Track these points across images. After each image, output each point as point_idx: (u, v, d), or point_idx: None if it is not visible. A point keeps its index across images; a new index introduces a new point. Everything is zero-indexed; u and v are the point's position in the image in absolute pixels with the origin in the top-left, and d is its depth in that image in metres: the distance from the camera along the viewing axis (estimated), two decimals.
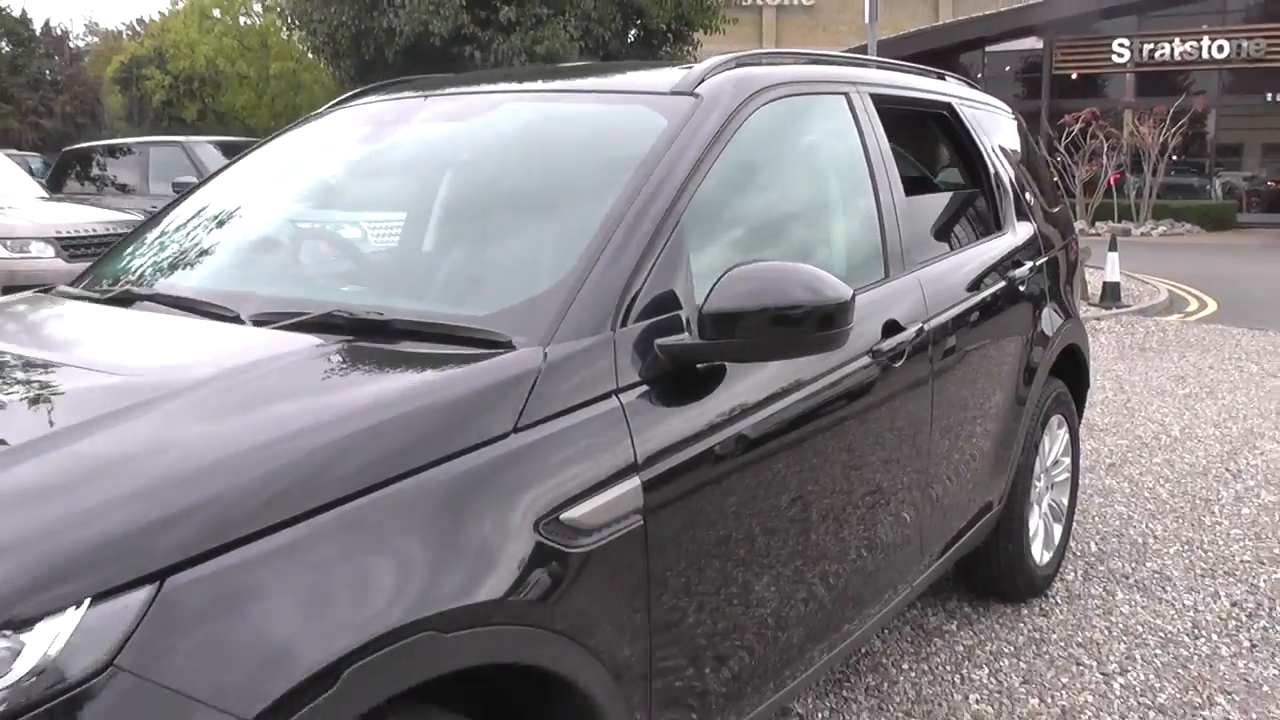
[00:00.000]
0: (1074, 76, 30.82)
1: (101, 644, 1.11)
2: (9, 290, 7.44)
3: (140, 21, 45.03)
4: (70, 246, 7.79)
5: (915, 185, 2.98)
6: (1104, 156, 21.68)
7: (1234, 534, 4.29)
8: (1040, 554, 3.58)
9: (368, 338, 1.71)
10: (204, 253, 2.38)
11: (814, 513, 2.16)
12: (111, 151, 11.70)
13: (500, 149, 2.34)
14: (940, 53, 33.48)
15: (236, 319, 1.88)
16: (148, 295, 2.11)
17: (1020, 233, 3.50)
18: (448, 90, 2.56)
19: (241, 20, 39.24)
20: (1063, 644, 3.31)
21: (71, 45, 45.60)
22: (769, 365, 1.95)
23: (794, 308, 1.77)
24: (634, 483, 1.65)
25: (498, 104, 2.51)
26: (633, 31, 16.52)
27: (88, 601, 1.13)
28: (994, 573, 3.43)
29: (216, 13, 38.69)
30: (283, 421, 1.39)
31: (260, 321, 1.82)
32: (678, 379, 1.80)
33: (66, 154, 11.95)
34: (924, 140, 3.42)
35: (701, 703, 1.88)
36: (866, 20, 13.05)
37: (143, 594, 1.15)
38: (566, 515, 1.53)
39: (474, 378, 1.55)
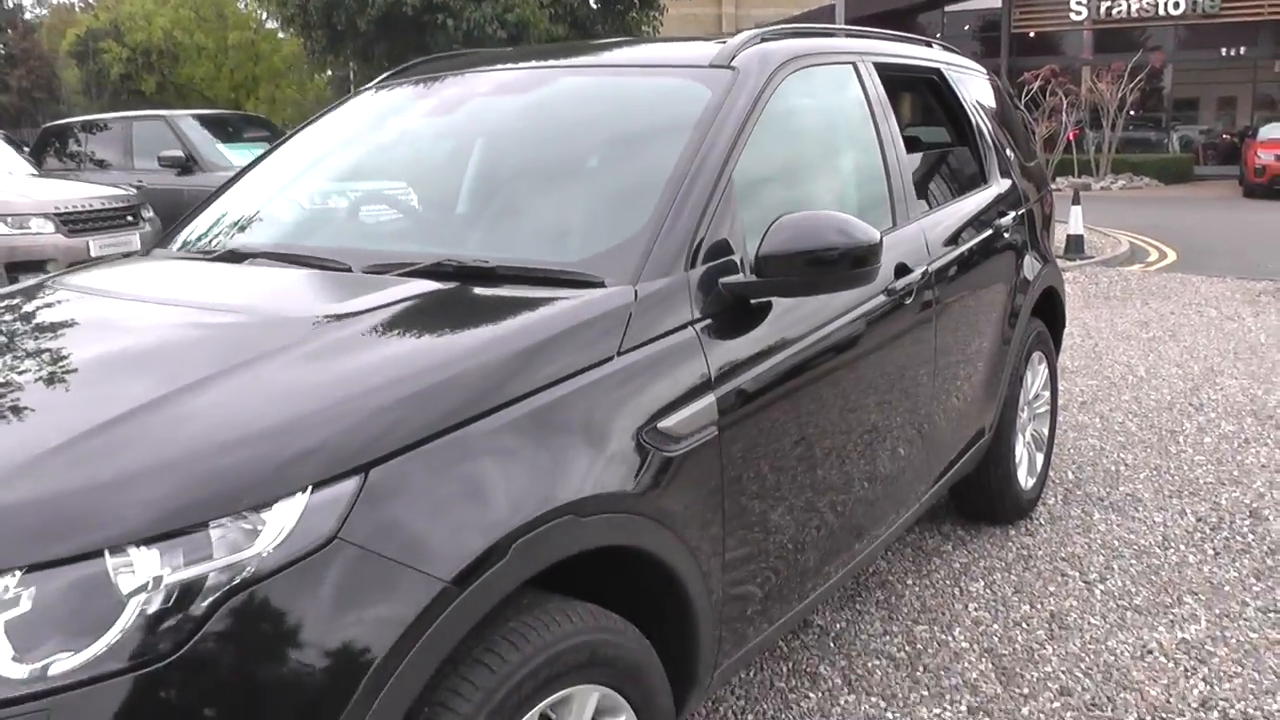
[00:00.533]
0: (1032, 34, 31.18)
1: (326, 520, 1.40)
2: (11, 266, 7.58)
3: None
4: (69, 221, 7.92)
5: (912, 143, 3.29)
6: (1063, 113, 22.08)
7: (1197, 460, 4.69)
8: (1025, 479, 3.94)
9: (474, 282, 2.00)
10: (294, 215, 2.65)
11: (848, 425, 2.50)
12: (91, 127, 11.72)
13: (567, 118, 2.61)
14: (900, 12, 33.72)
15: (348, 270, 2.16)
16: (258, 253, 2.38)
17: (1002, 186, 3.83)
18: (503, 66, 2.83)
19: None
20: (1048, 559, 3.68)
21: (25, 18, 44.69)
22: (808, 300, 2.27)
23: (830, 249, 2.08)
24: (709, 399, 1.96)
25: (556, 78, 2.78)
26: None
27: (307, 490, 1.42)
28: (985, 496, 3.78)
29: None
30: (444, 343, 1.68)
31: (373, 271, 2.11)
32: (736, 312, 2.10)
33: (47, 130, 11.96)
34: (917, 102, 3.71)
35: (763, 587, 2.21)
36: None
37: (352, 483, 1.44)
38: (662, 424, 1.84)
39: (585, 309, 1.84)
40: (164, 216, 8.91)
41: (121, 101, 37.41)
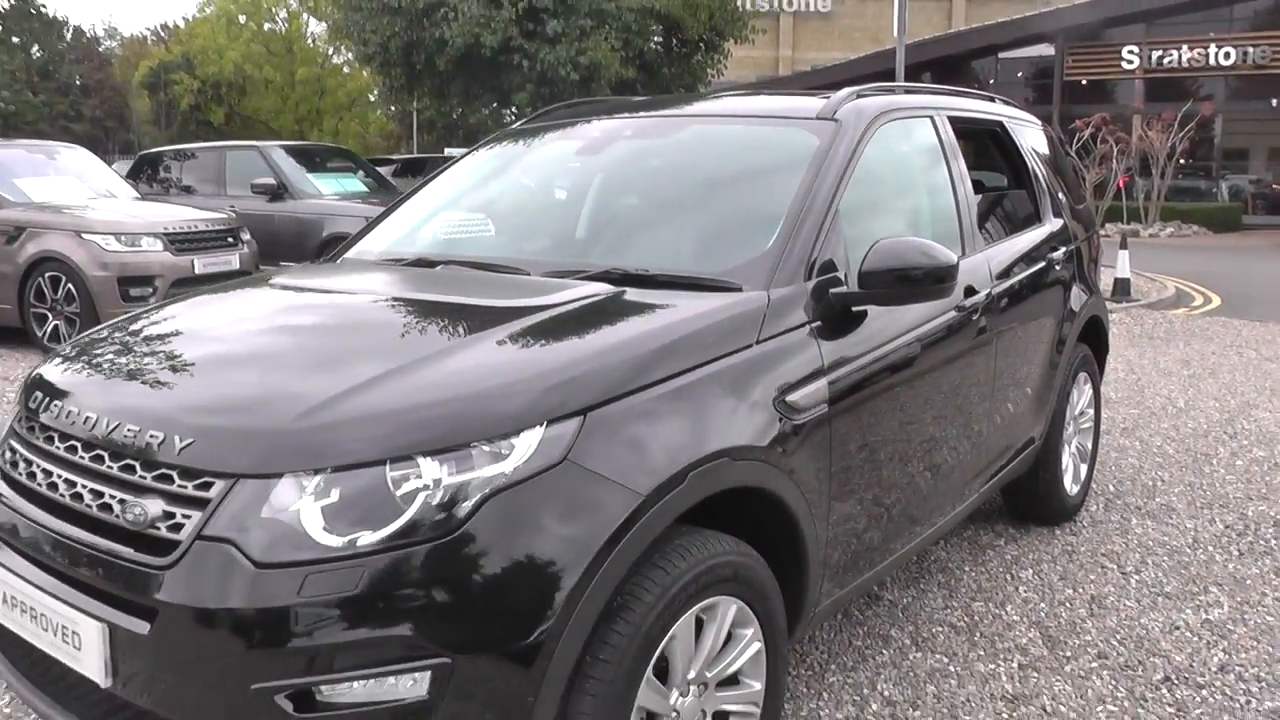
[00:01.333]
0: (1084, 82, 31.59)
1: (558, 447, 1.94)
2: (122, 280, 8.20)
3: (165, 27, 46.01)
4: (176, 241, 8.59)
5: (977, 185, 3.81)
6: (1113, 160, 22.45)
7: (1229, 479, 5.13)
8: (1070, 485, 4.41)
9: (635, 286, 2.55)
10: (466, 230, 3.23)
11: (925, 415, 3.01)
12: (185, 155, 12.52)
13: (701, 157, 3.18)
14: (954, 59, 34.38)
15: (528, 275, 2.73)
16: (446, 260, 2.97)
17: (1054, 225, 4.34)
18: (638, 114, 3.41)
19: (266, 26, 40.20)
20: (1089, 554, 4.15)
21: (99, 50, 46.62)
22: (897, 310, 2.79)
23: (916, 268, 2.61)
24: (822, 383, 2.49)
25: (688, 125, 3.36)
26: (670, 40, 17.35)
27: (542, 426, 1.95)
28: (1034, 498, 4.26)
29: (242, 18, 39.64)
30: (631, 326, 2.24)
31: (551, 275, 2.67)
32: (841, 317, 2.63)
33: (143, 157, 12.79)
34: (983, 150, 4.23)
35: (856, 541, 2.73)
36: (895, 33, 13.87)
37: (574, 422, 1.97)
38: (789, 398, 2.37)
39: (734, 307, 2.38)
40: (257, 239, 9.62)
41: (190, 131, 38.93)
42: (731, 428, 2.20)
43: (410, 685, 1.74)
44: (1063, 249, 4.29)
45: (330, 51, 40.69)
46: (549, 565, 1.83)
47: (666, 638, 2.04)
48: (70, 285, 8.13)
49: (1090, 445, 4.67)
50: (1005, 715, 2.95)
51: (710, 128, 3.33)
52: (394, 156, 23.75)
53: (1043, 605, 3.67)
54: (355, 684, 1.73)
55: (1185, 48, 29.16)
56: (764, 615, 2.33)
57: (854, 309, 2.68)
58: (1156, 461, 5.44)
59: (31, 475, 2.15)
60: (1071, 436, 4.43)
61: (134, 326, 2.61)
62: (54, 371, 2.37)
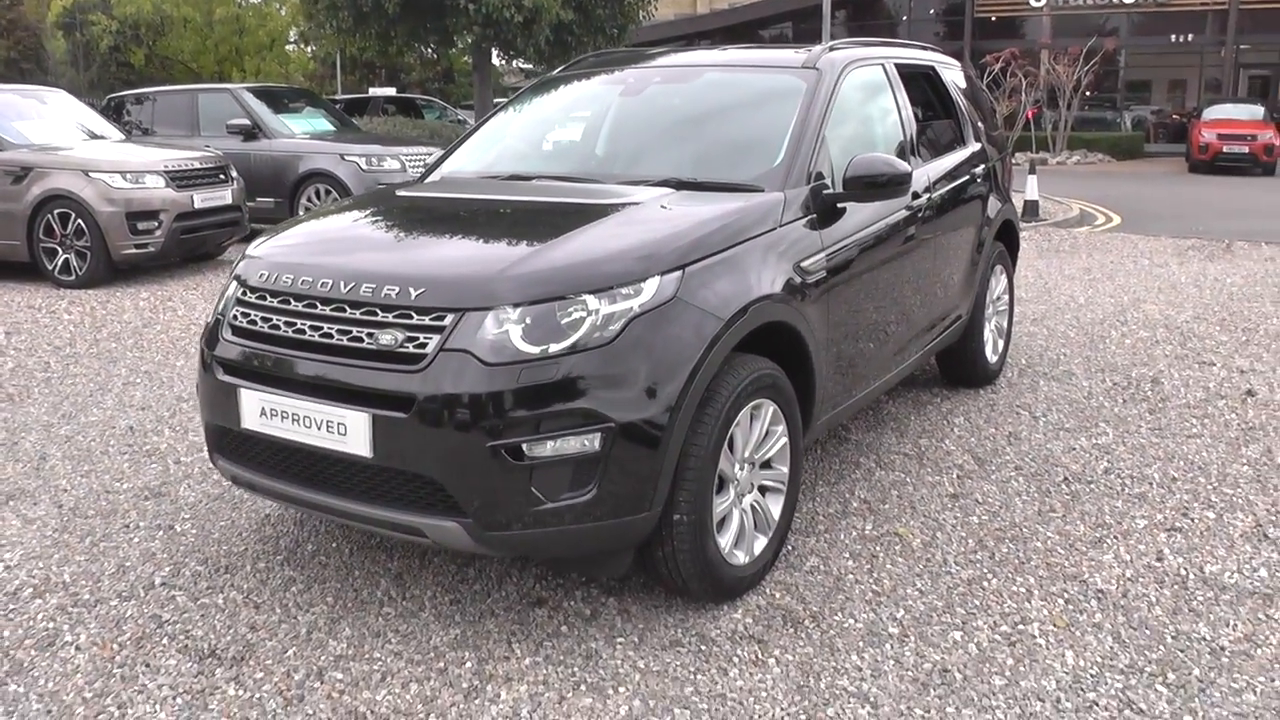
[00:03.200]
0: (994, 19, 32.76)
1: (670, 289, 2.85)
2: (129, 215, 8.79)
3: None
4: (176, 178, 9.21)
5: (917, 115, 4.81)
6: (1023, 93, 23.75)
7: (1118, 352, 6.32)
8: (991, 356, 5.52)
9: (688, 189, 3.49)
10: (543, 152, 4.15)
11: (889, 281, 4.04)
12: (154, 98, 12.86)
13: (719, 96, 4.12)
14: None
15: (602, 184, 3.66)
16: (537, 175, 3.89)
17: (974, 147, 5.38)
18: (664, 64, 4.37)
19: None
20: (1007, 405, 5.27)
21: None
22: (868, 205, 3.79)
23: (882, 175, 3.60)
24: (821, 255, 3.48)
25: (705, 73, 4.30)
26: None
27: (659, 275, 2.87)
28: (963, 364, 5.35)
29: None
30: (703, 211, 3.18)
31: (624, 182, 3.60)
32: (830, 211, 3.61)
33: (111, 99, 13.15)
34: (919, 87, 5.23)
35: (844, 372, 3.74)
36: None
37: (678, 273, 2.90)
38: (800, 264, 3.35)
39: (763, 200, 3.35)
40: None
41: (111, 73, 38.16)
42: (770, 281, 3.18)
43: (587, 442, 2.70)
44: (981, 166, 5.33)
45: None
46: (671, 362, 2.79)
47: (734, 424, 3.04)
48: (80, 221, 8.71)
49: (1006, 325, 5.78)
50: (949, 505, 4.03)
51: (721, 75, 4.27)
52: (336, 98, 24.04)
53: (972, 439, 4.77)
54: (553, 441, 2.68)
55: None
56: (790, 417, 3.34)
57: (838, 205, 3.67)
58: (1060, 342, 6.61)
59: (275, 327, 3.01)
60: (991, 316, 5.52)
61: (317, 224, 3.49)
62: (272, 254, 3.23)
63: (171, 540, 3.73)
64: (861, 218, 3.81)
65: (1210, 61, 31.68)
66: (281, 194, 11.38)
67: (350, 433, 2.77)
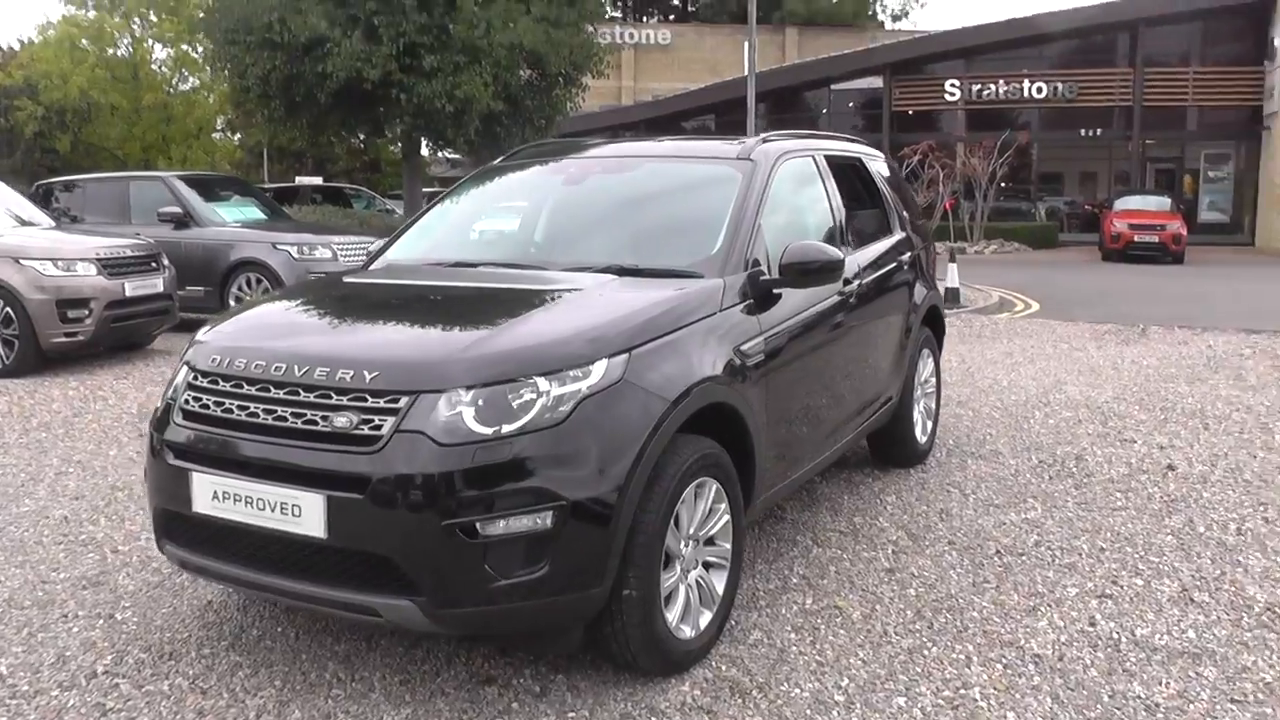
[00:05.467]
0: (910, 113, 34.26)
1: (617, 371, 2.97)
2: (60, 303, 8.68)
3: (1, 50, 44.24)
4: (108, 266, 9.14)
5: (845, 205, 5.05)
6: (940, 184, 24.76)
7: (1042, 432, 6.58)
8: (920, 436, 5.71)
9: (630, 276, 3.63)
10: (487, 241, 4.28)
11: (822, 365, 4.21)
12: (85, 184, 12.80)
13: (657, 185, 4.31)
14: (791, 89, 36.79)
15: (547, 270, 3.78)
16: (481, 262, 4.01)
17: (900, 235, 5.65)
18: (603, 155, 4.54)
19: (109, 51, 39.27)
20: (938, 484, 5.44)
21: None
22: (801, 290, 3.96)
23: (815, 261, 3.80)
24: (760, 339, 3.63)
25: (643, 163, 4.48)
26: (533, 75, 18.39)
27: (607, 358, 2.98)
28: (893, 444, 5.53)
29: (84, 43, 38.66)
30: (644, 297, 3.31)
31: (566, 269, 3.73)
32: (766, 297, 3.78)
33: (40, 186, 13.02)
34: (846, 178, 5.50)
35: (782, 453, 3.87)
36: (746, 71, 15.37)
37: (625, 356, 3.01)
38: (740, 347, 3.49)
39: (705, 288, 3.49)
40: None
41: (35, 160, 37.69)
42: (712, 363, 3.31)
43: (540, 520, 2.77)
44: (908, 253, 5.60)
45: (175, 79, 40.15)
46: (620, 441, 2.90)
47: (680, 501, 3.13)
48: (8, 309, 8.58)
49: (934, 406, 6.00)
50: (887, 579, 4.14)
51: (659, 165, 4.47)
52: (264, 186, 24.07)
53: (905, 516, 4.92)
54: (505, 520, 2.74)
55: (1002, 82, 32.11)
56: (732, 495, 3.44)
57: (774, 290, 3.84)
58: (986, 423, 6.85)
59: (228, 410, 3.05)
60: (919, 398, 5.73)
61: (266, 310, 3.55)
62: (222, 339, 3.28)
63: (112, 629, 3.67)
64: (795, 303, 3.99)
65: (1119, 155, 33.42)
66: (212, 282, 11.33)
67: (305, 514, 2.80)
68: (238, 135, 41.77)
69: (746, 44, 16.42)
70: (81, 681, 3.26)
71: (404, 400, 2.80)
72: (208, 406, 3.11)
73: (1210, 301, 15.23)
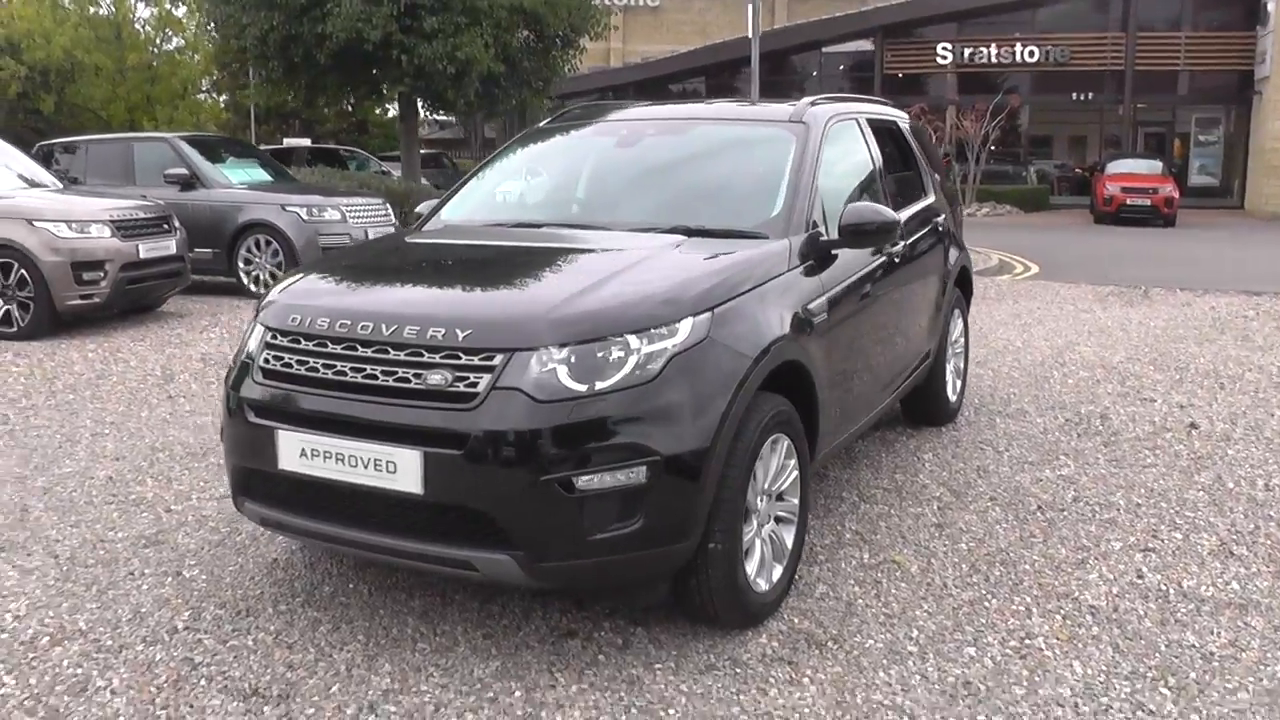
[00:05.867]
0: (901, 76, 34.10)
1: (702, 330, 3.00)
2: (75, 265, 8.63)
3: None
4: (122, 227, 9.07)
5: (887, 167, 5.09)
6: None
7: (1063, 391, 6.67)
8: (951, 394, 5.80)
9: (698, 236, 3.66)
10: (544, 203, 4.30)
11: (876, 325, 4.27)
12: (87, 146, 12.61)
13: (713, 148, 4.33)
14: (781, 53, 36.56)
15: (612, 230, 3.81)
16: (545, 223, 4.04)
17: (933, 197, 5.70)
18: (651, 116, 4.56)
19: (91, 10, 38.61)
20: (971, 441, 5.53)
21: None
22: (853, 251, 4.01)
23: (872, 223, 3.85)
24: (823, 299, 3.68)
25: (696, 125, 4.51)
26: (530, 36, 18.24)
27: (692, 316, 3.02)
28: (927, 402, 5.61)
29: (67, 2, 37.97)
30: (723, 257, 3.36)
31: (633, 230, 3.76)
32: (825, 257, 3.83)
33: (41, 147, 12.86)
34: (886, 142, 5.53)
35: (840, 409, 3.93)
36: (734, 35, 15.26)
37: (708, 315, 3.05)
38: (806, 306, 3.54)
39: (772, 246, 3.54)
40: None
41: (19, 121, 37.06)
42: (783, 322, 3.36)
43: (634, 475, 2.82)
44: (941, 215, 5.65)
45: (159, 39, 39.61)
46: (708, 398, 2.95)
47: (759, 457, 3.20)
48: (23, 271, 8.53)
49: (963, 365, 6.08)
50: (937, 533, 4.23)
51: (712, 127, 4.50)
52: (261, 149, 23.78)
53: (944, 473, 5.01)
54: (601, 475, 2.79)
55: (994, 45, 32.00)
56: (800, 451, 3.51)
57: (832, 251, 3.89)
58: (1006, 383, 6.95)
59: (313, 369, 3.07)
60: (950, 357, 5.81)
61: (339, 270, 3.57)
62: (301, 299, 3.29)
63: (183, 586, 3.72)
64: (849, 263, 4.04)
65: (1109, 119, 33.41)
66: (220, 244, 11.26)
67: (400, 470, 2.85)
68: (224, 96, 41.22)
69: (750, 5, 16.31)
70: (164, 636, 3.31)
71: (499, 358, 2.84)
72: (290, 365, 3.13)
73: (1205, 264, 15.38)
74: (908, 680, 3.05)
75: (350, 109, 37.02)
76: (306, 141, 32.55)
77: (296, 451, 3.01)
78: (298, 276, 3.57)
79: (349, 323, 3.05)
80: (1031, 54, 31.61)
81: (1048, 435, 5.65)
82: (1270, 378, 7.16)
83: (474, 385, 2.84)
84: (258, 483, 3.23)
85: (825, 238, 3.86)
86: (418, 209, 4.68)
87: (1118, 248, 18.15)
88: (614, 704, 2.87)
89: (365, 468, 2.90)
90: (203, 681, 3.02)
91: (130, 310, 9.67)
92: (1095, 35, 31.79)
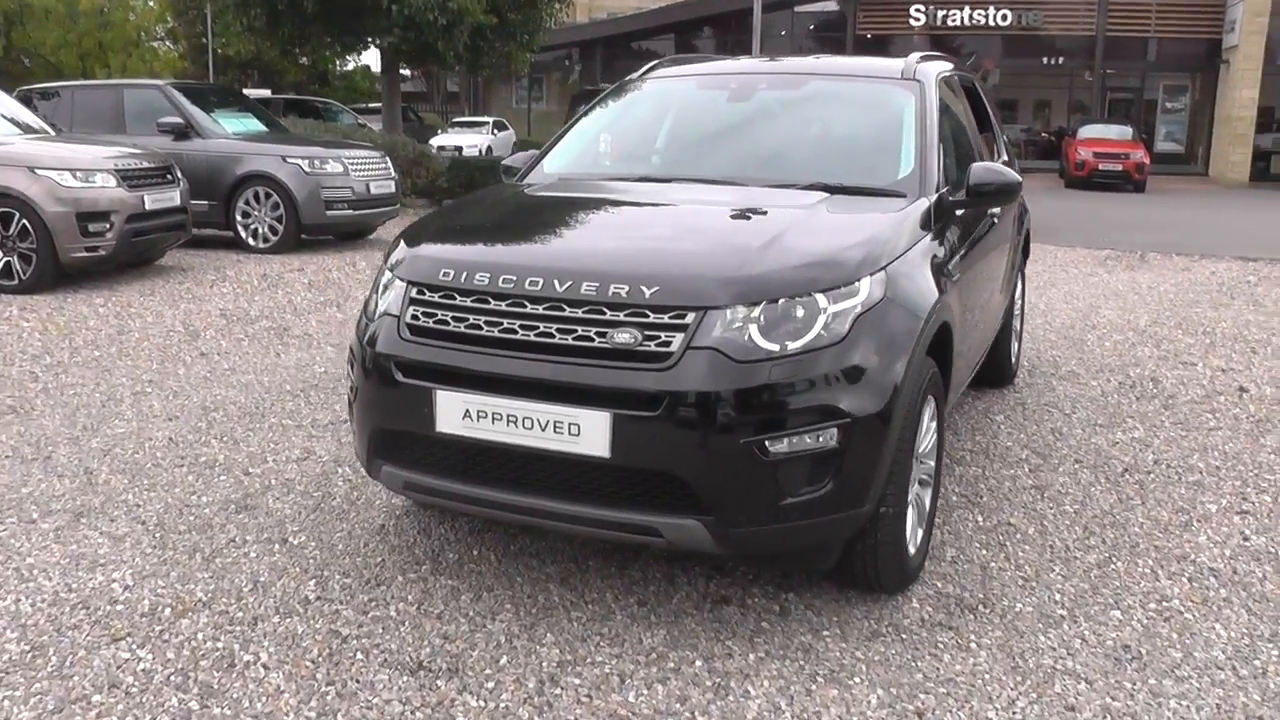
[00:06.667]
0: (870, 36, 34.01)
1: (880, 290, 2.92)
2: (80, 217, 8.30)
3: None
4: (128, 177, 8.74)
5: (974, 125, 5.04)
6: None
7: (1104, 354, 6.73)
8: (1013, 356, 5.82)
9: (841, 194, 3.58)
10: (665, 157, 4.19)
11: (984, 285, 4.25)
12: (75, 92, 12.10)
13: (832, 104, 4.24)
14: (749, 11, 36.22)
15: (747, 187, 3.70)
16: (669, 178, 3.93)
17: (1005, 154, 5.68)
18: (755, 70, 4.47)
19: None
20: (1035, 404, 5.55)
21: None
22: (969, 211, 3.97)
23: (995, 184, 3.80)
24: (957, 259, 3.63)
25: (808, 80, 4.41)
26: None
27: (870, 275, 2.94)
28: (993, 363, 5.60)
29: None
30: (882, 215, 3.30)
31: (768, 186, 3.67)
32: (950, 216, 3.78)
33: (24, 92, 12.31)
34: (969, 100, 5.47)
35: (961, 368, 3.89)
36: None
37: (883, 274, 2.97)
38: (945, 268, 3.48)
39: (917, 205, 3.47)
40: None
41: None
42: (937, 283, 3.30)
43: (826, 437, 2.76)
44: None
45: None
46: (891, 358, 2.89)
47: (920, 418, 3.16)
48: (25, 221, 8.18)
49: (1019, 326, 6.10)
50: (1038, 497, 4.24)
51: (825, 83, 4.39)
52: None
53: (1022, 435, 5.02)
54: (795, 437, 2.72)
55: (967, 8, 32.00)
56: (941, 412, 3.47)
57: (957, 211, 3.84)
58: (1047, 346, 6.99)
59: (475, 327, 2.93)
60: (1014, 317, 5.83)
61: (476, 221, 3.45)
62: (451, 253, 3.15)
63: (294, 554, 3.59)
64: (968, 222, 4.00)
65: (1078, 84, 33.65)
66: (218, 197, 10.92)
67: (584, 433, 2.75)
68: (180, 44, 39.87)
69: None
70: (298, 608, 3.19)
71: (690, 316, 2.75)
72: (446, 323, 3.00)
73: (1185, 228, 15.61)
74: (1069, 644, 3.05)
75: (310, 61, 36.17)
76: (266, 92, 31.68)
77: (459, 413, 2.90)
78: (428, 227, 3.43)
79: (514, 278, 2.92)
80: (1004, 17, 31.68)
81: (1108, 398, 5.70)
82: None
83: (666, 345, 2.74)
84: (404, 446, 3.11)
85: (955, 196, 3.81)
86: (505, 162, 4.54)
87: (1096, 212, 18.35)
88: (797, 672, 2.83)
89: (543, 430, 2.79)
90: (359, 655, 2.92)
91: (130, 263, 9.36)
92: (1068, 1, 31.94)
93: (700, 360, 2.71)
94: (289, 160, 10.89)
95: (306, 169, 10.87)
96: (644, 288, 2.79)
